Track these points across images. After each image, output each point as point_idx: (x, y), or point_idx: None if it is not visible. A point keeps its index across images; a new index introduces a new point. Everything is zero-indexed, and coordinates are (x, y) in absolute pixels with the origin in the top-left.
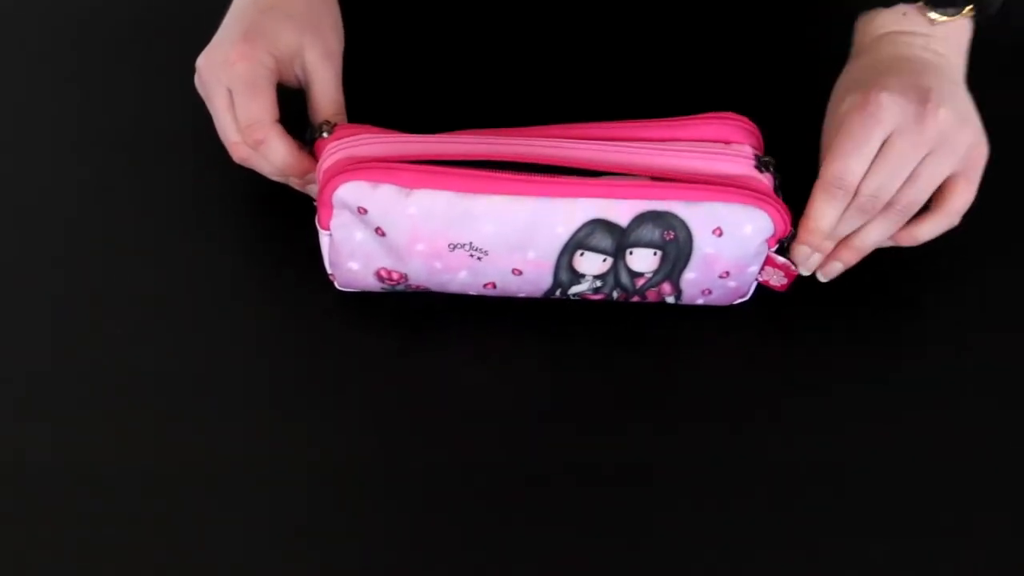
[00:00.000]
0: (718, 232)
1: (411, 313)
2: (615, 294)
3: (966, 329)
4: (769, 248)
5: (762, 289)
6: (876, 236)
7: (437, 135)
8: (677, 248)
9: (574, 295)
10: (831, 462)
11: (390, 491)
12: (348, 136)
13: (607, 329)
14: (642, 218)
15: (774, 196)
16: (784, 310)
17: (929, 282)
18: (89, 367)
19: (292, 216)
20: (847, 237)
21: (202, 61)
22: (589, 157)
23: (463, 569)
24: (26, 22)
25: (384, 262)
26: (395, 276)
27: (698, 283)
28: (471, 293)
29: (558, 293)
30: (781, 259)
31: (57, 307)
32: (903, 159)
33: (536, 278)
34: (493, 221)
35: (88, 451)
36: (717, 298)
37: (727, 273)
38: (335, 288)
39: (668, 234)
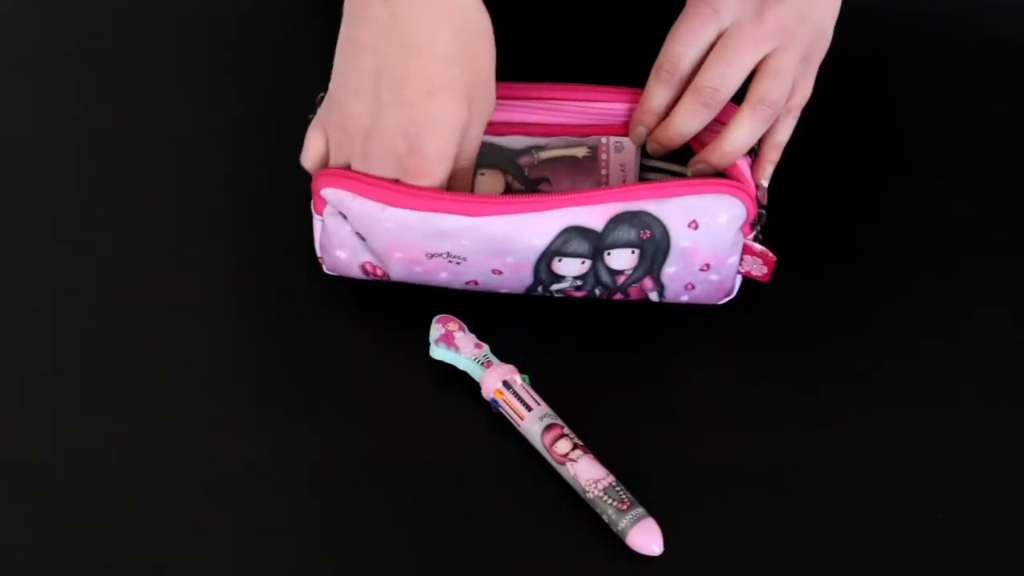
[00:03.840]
0: (694, 225)
1: (405, 311)
2: (597, 291)
3: (963, 328)
4: (744, 236)
5: (750, 289)
6: (743, 137)
7: None
8: (654, 245)
9: (556, 291)
10: (827, 462)
11: (389, 490)
12: None
13: (596, 330)
14: (617, 220)
15: (746, 179)
16: (774, 309)
17: (923, 280)
18: (85, 364)
19: (291, 210)
20: (713, 142)
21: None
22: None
23: (462, 568)
24: (26, 22)
25: (368, 258)
26: (379, 272)
27: (679, 277)
28: (455, 287)
29: (540, 290)
30: (759, 247)
31: (56, 305)
32: (740, 52)
33: (516, 276)
34: (468, 237)
35: (83, 449)
36: (702, 294)
37: (708, 266)
38: (331, 286)
39: (644, 233)
